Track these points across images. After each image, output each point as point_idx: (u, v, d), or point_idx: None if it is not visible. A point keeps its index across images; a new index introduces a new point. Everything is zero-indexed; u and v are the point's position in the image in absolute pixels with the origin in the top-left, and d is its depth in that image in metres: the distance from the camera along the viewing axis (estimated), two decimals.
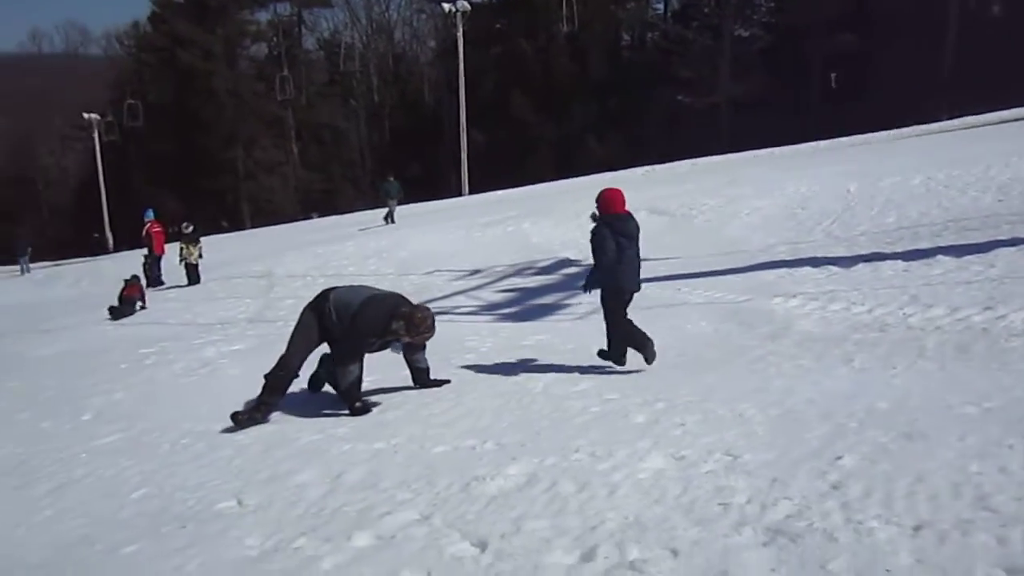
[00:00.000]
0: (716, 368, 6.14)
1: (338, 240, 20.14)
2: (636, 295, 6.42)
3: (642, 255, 6.37)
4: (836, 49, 43.66)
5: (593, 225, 6.32)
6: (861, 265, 9.14)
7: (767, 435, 4.41)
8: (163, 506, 4.51)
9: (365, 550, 3.60)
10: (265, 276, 15.88)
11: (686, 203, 15.17)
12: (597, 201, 6.38)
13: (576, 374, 6.32)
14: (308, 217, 47.16)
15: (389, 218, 24.63)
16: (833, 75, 44.65)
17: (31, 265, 38.44)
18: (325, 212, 47.47)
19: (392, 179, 25.79)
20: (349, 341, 5.86)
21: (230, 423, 5.84)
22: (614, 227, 6.20)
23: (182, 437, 5.82)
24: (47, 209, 73.94)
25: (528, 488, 4.05)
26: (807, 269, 9.41)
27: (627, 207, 6.38)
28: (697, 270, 10.46)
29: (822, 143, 28.41)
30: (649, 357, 6.24)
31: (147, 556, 3.83)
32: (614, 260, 6.17)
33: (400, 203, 25.54)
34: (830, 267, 9.30)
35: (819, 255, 10.12)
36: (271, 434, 5.57)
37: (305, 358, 6.07)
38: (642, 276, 6.44)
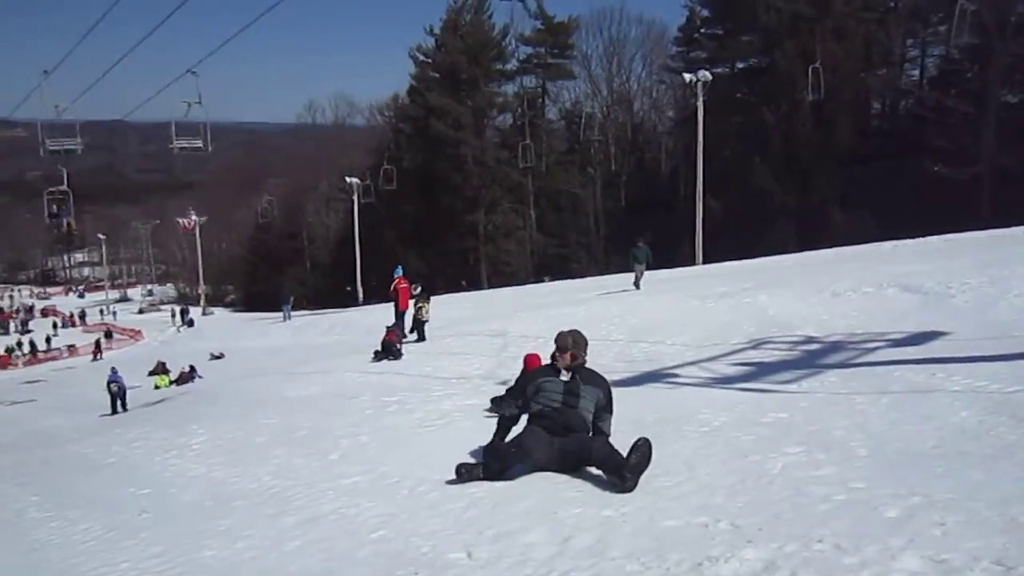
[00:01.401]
0: (981, 464, 5.51)
1: (570, 304, 20.46)
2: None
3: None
4: None
5: None
6: None
7: None
8: (399, 550, 4.70)
9: None
10: (499, 335, 16.39)
11: (943, 280, 13.93)
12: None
13: (819, 457, 5.91)
14: (541, 280, 48.45)
15: (636, 283, 24.19)
16: None
17: (292, 313, 42.41)
18: (558, 276, 48.58)
19: (641, 244, 25.02)
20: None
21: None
22: None
23: (419, 484, 6.06)
24: (309, 262, 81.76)
25: (765, 575, 3.82)
26: None
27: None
28: (955, 354, 9.54)
29: None
30: None
31: None
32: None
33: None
34: None
35: None
36: (502, 490, 5.66)
37: (530, 447, 5.98)
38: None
